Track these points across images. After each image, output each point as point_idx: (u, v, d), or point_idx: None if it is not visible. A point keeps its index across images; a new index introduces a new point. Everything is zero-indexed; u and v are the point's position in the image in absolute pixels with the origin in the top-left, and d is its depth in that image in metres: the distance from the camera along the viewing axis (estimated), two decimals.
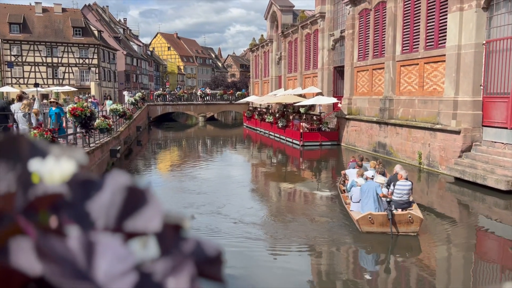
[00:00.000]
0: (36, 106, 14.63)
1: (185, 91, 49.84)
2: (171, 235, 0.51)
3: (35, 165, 0.47)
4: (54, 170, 0.48)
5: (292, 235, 9.37)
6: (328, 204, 12.29)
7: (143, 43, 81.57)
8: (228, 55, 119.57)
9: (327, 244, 8.95)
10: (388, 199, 9.01)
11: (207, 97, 46.42)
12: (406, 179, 9.53)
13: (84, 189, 0.48)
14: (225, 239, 9.04)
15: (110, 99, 25.83)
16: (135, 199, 0.49)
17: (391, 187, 9.58)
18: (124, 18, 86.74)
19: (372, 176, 9.67)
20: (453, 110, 15.26)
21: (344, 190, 11.81)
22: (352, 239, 9.07)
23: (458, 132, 14.89)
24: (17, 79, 47.78)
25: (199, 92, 47.50)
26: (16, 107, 11.83)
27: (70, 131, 13.89)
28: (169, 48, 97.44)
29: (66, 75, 50.12)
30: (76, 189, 0.48)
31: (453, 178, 14.44)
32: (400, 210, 9.16)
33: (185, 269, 0.45)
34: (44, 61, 48.94)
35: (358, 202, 9.58)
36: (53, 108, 13.09)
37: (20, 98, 12.76)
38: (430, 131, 16.34)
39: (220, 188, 14.42)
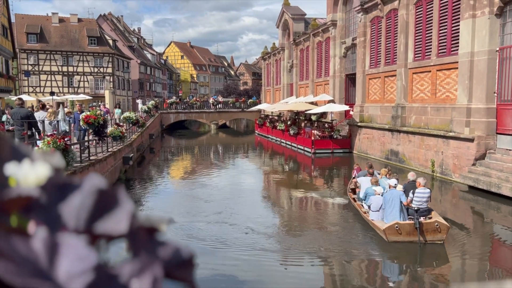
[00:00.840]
0: (60, 115, 15.03)
1: (197, 99, 50.22)
2: (143, 238, 0.53)
3: (11, 168, 0.50)
4: (29, 173, 0.50)
5: (309, 247, 9.07)
6: (342, 213, 12.15)
7: (156, 52, 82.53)
8: (241, 63, 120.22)
9: (349, 256, 8.63)
10: (416, 208, 8.94)
11: (219, 105, 46.76)
12: (425, 186, 9.42)
13: (57, 192, 0.50)
14: (235, 250, 8.83)
15: (119, 107, 26.24)
16: (106, 202, 0.51)
17: (410, 194, 9.39)
18: (138, 28, 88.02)
19: (395, 184, 9.52)
20: (466, 117, 15.08)
21: (354, 199, 11.71)
22: (378, 249, 8.82)
23: (471, 140, 14.69)
24: (34, 87, 48.70)
25: (211, 100, 47.87)
26: (40, 116, 12.21)
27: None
28: (182, 56, 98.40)
29: (81, 84, 50.93)
30: (49, 192, 0.50)
31: (467, 186, 14.24)
32: (422, 218, 9.07)
33: (150, 270, 0.46)
34: (60, 70, 49.83)
35: (378, 211, 9.47)
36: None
37: (43, 106, 13.32)
38: (443, 138, 16.16)
39: (231, 196, 14.43)
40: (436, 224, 8.69)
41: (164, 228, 0.56)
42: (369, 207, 9.96)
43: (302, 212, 12.99)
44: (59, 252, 0.41)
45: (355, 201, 11.55)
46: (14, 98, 37.72)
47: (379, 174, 11.58)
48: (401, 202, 8.99)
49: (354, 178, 13.55)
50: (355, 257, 8.63)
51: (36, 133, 11.02)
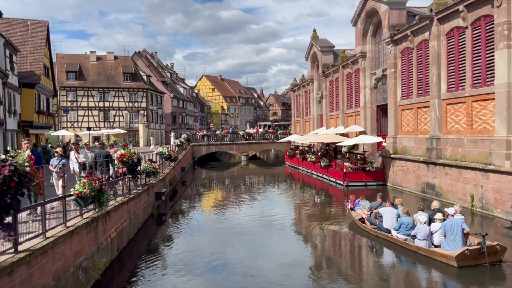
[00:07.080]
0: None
1: (227, 131, 50.94)
2: None
3: None
4: None
5: None
6: (384, 248, 11.69)
7: (188, 86, 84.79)
8: (270, 94, 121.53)
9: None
10: (484, 233, 9.70)
11: (246, 135, 48.22)
12: (460, 213, 10.58)
13: None
14: None
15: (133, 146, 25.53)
16: None
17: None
18: (171, 63, 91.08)
19: (454, 213, 10.41)
20: (506, 150, 14.50)
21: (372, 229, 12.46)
22: (449, 277, 9.12)
23: None
24: (72, 123, 50.77)
25: (241, 132, 48.89)
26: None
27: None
28: (213, 89, 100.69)
29: (117, 118, 52.71)
30: None
31: (510, 222, 13.51)
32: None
33: None
34: (97, 105, 51.88)
35: (426, 239, 10.25)
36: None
37: (126, 146, 15.49)
38: (482, 172, 15.54)
39: (262, 234, 14.20)
40: (497, 246, 9.46)
41: None
42: (412, 236, 10.67)
43: (344, 252, 12.37)
44: None
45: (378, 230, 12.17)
46: (53, 133, 39.23)
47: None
48: (462, 229, 9.75)
49: (352, 210, 14.62)
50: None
51: (112, 169, 13.28)
